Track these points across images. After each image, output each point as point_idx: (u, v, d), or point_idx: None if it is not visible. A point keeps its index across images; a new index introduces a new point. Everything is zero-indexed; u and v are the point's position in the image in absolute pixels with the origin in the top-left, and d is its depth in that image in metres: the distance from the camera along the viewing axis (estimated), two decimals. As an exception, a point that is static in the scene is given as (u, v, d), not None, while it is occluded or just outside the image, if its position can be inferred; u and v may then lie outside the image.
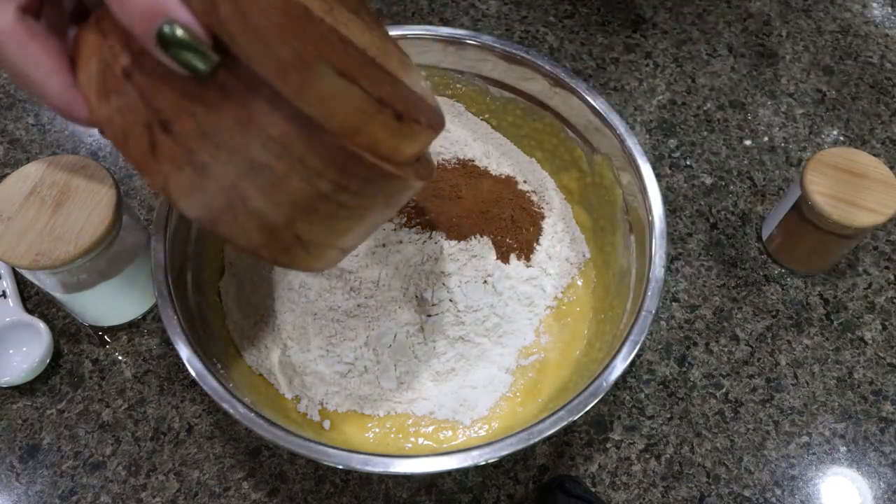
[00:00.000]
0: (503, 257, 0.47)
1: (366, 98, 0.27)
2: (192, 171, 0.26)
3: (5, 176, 0.44)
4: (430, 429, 0.44)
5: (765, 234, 0.55)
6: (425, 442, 0.44)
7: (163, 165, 0.27)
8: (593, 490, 0.46)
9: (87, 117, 0.28)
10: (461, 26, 0.65)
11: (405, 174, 0.30)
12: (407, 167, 0.30)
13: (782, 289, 0.53)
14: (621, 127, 0.46)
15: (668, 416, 0.48)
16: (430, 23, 0.65)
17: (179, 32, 0.24)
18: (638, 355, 0.50)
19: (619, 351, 0.39)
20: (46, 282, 0.43)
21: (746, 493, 0.46)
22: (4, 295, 0.49)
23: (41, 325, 0.48)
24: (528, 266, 0.48)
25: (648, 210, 0.43)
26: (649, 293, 0.40)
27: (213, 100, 0.25)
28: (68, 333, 0.50)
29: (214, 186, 0.27)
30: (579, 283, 0.49)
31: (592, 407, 0.37)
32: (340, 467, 0.38)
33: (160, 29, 0.24)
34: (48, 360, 0.48)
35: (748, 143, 0.60)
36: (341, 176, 0.27)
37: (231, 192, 0.27)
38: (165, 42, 0.24)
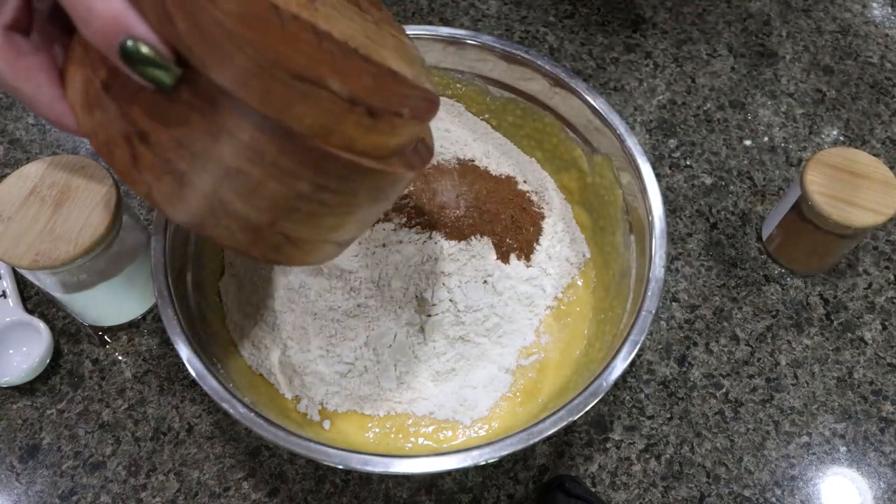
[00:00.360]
0: (503, 257, 0.47)
1: (333, 98, 0.26)
2: (171, 180, 0.27)
3: (5, 176, 0.44)
4: (430, 429, 0.44)
5: (765, 234, 0.55)
6: (425, 442, 0.44)
7: (144, 175, 0.27)
8: (593, 490, 0.46)
9: (75, 129, 0.29)
10: (461, 26, 0.65)
11: (389, 167, 0.29)
12: (393, 159, 0.30)
13: (782, 289, 0.53)
14: (621, 127, 0.46)
15: (668, 416, 0.48)
16: (430, 23, 0.65)
17: (143, 49, 0.24)
18: (638, 355, 0.50)
19: (619, 351, 0.39)
20: (46, 282, 0.43)
21: (746, 493, 0.46)
22: (4, 295, 0.49)
23: (41, 325, 0.48)
24: (528, 266, 0.48)
25: (648, 210, 0.43)
26: (649, 293, 0.40)
27: (183, 111, 0.26)
28: (68, 333, 0.50)
29: (195, 193, 0.27)
30: (579, 283, 0.49)
31: (592, 407, 0.37)
32: (340, 467, 0.38)
33: (123, 45, 0.24)
34: (48, 360, 0.48)
35: (748, 143, 0.60)
36: (318, 176, 0.27)
37: (212, 198, 0.27)
38: (129, 57, 0.24)
